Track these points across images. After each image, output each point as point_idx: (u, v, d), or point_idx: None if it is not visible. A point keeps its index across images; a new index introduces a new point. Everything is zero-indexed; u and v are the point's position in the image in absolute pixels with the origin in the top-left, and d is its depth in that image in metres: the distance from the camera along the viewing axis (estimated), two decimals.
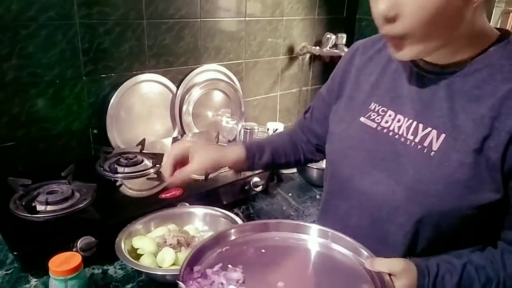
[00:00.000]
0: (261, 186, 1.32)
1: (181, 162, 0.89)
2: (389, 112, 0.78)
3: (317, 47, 1.91)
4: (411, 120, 0.74)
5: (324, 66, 2.04)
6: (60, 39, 1.23)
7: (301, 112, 2.03)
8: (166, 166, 0.89)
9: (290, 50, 1.88)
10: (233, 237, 0.81)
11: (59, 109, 1.30)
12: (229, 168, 0.99)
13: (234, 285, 0.69)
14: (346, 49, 1.85)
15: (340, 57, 1.84)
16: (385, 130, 0.77)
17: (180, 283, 0.66)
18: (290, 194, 1.38)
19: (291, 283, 0.71)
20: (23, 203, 1.01)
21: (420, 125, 0.73)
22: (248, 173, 1.29)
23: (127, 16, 1.34)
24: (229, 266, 0.73)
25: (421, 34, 0.64)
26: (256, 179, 1.30)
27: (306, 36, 1.91)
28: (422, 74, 0.74)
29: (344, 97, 0.88)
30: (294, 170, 1.52)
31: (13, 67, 1.18)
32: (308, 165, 1.45)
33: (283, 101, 1.96)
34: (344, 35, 1.88)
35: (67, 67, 1.27)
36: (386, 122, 0.77)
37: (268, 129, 1.69)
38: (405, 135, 0.74)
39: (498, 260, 0.68)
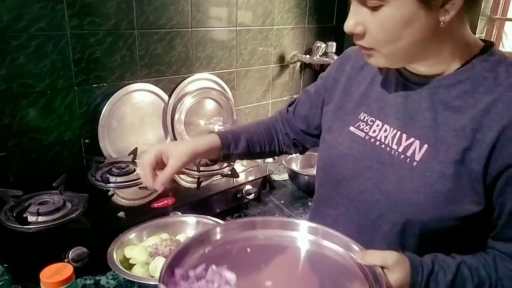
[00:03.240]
0: (253, 194, 1.32)
1: (159, 166, 0.87)
2: (377, 122, 0.79)
3: (308, 56, 1.93)
4: (395, 130, 0.75)
5: (315, 74, 2.06)
6: (51, 50, 1.24)
7: None
8: (145, 175, 0.86)
9: (281, 58, 1.90)
10: (218, 237, 0.76)
11: (51, 119, 1.30)
12: (207, 159, 0.97)
13: (225, 286, 0.64)
14: (336, 57, 1.88)
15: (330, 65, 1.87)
16: (372, 140, 0.78)
17: (161, 284, 0.62)
18: (282, 201, 1.38)
19: (280, 282, 0.68)
20: (14, 214, 1.00)
21: (404, 135, 0.74)
22: (240, 181, 1.30)
23: (119, 26, 1.35)
24: (213, 267, 0.67)
25: (386, 49, 0.68)
26: (248, 186, 1.31)
27: (297, 45, 1.93)
28: (407, 85, 0.76)
29: (333, 104, 0.89)
30: (286, 177, 1.53)
31: (4, 77, 1.18)
32: (300, 172, 1.46)
33: (274, 108, 1.97)
34: (334, 44, 1.91)
35: (58, 77, 1.27)
36: (374, 131, 0.79)
37: None
38: (390, 144, 0.75)
39: (491, 264, 0.69)
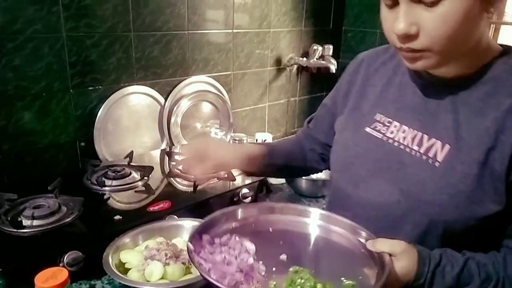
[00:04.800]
0: (250, 197, 1.32)
1: (199, 159, 0.89)
2: (395, 123, 0.79)
3: (304, 58, 1.93)
4: (415, 131, 0.76)
5: (312, 76, 2.07)
6: (47, 52, 1.23)
7: (289, 123, 2.07)
8: (188, 161, 0.89)
9: (278, 61, 1.90)
10: (242, 215, 0.84)
11: (46, 122, 1.29)
12: (242, 169, 0.97)
13: (245, 253, 0.72)
14: (332, 60, 1.89)
15: (327, 67, 1.88)
16: (390, 141, 0.78)
17: (188, 243, 0.69)
18: None
19: (293, 257, 0.74)
20: (9, 218, 0.99)
21: (425, 136, 0.74)
22: (237, 184, 1.29)
23: (115, 28, 1.34)
24: (236, 237, 0.75)
25: (440, 48, 0.65)
26: (245, 190, 1.30)
27: (293, 48, 1.94)
28: (427, 86, 0.76)
29: (349, 107, 0.89)
30: (283, 180, 1.53)
31: None
32: None
33: (271, 111, 1.97)
34: (331, 47, 1.91)
35: (54, 80, 1.27)
36: (392, 132, 0.79)
37: (257, 140, 1.70)
38: (410, 145, 0.75)
39: (500, 261, 0.69)
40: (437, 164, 0.71)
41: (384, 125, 0.81)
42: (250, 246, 0.73)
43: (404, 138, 0.77)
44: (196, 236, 0.74)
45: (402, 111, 0.79)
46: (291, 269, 0.70)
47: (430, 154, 0.72)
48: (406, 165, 0.75)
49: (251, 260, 0.70)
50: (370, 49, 0.92)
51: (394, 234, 0.76)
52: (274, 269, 0.71)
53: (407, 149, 0.76)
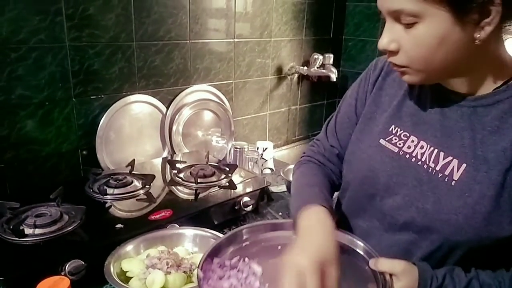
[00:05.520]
0: (251, 206, 1.32)
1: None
2: (412, 137, 0.78)
3: (305, 67, 1.95)
4: (432, 148, 0.74)
5: (312, 85, 2.08)
6: (50, 62, 1.24)
7: (290, 131, 2.07)
8: None
9: (279, 70, 1.91)
10: (245, 236, 0.85)
11: (49, 131, 1.30)
12: None
13: (252, 276, 0.73)
14: (333, 69, 1.90)
15: (327, 76, 1.89)
16: (407, 156, 0.77)
17: (198, 269, 0.72)
18: (280, 213, 1.38)
19: None
20: (11, 227, 1.00)
21: (441, 153, 0.73)
22: (238, 193, 1.30)
23: (117, 38, 1.36)
24: (246, 259, 0.76)
25: (418, 67, 0.67)
26: (246, 198, 1.30)
27: (294, 57, 1.95)
28: (444, 102, 0.75)
29: (363, 116, 0.87)
30: (284, 188, 1.53)
31: (3, 89, 1.19)
32: None
33: (272, 120, 1.98)
34: (331, 55, 1.93)
35: (56, 89, 1.28)
36: (409, 147, 0.77)
37: (258, 148, 1.70)
38: (427, 162, 0.74)
39: (506, 282, 0.69)
40: (453, 183, 0.70)
41: (400, 138, 0.79)
42: (257, 268, 0.74)
43: (422, 154, 0.75)
44: (208, 259, 0.76)
45: (419, 126, 0.77)
46: None
47: (446, 172, 0.71)
48: (422, 182, 0.74)
49: (257, 284, 0.71)
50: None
51: (409, 249, 0.76)
52: None
53: (425, 166, 0.74)
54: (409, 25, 0.64)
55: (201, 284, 0.70)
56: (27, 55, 1.20)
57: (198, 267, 0.73)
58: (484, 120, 0.70)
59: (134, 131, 1.48)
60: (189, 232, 1.06)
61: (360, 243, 0.77)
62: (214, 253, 0.78)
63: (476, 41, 0.63)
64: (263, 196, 1.41)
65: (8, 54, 1.17)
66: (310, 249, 0.65)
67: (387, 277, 0.68)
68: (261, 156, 1.69)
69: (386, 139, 0.81)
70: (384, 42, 0.68)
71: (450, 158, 0.72)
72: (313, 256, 0.63)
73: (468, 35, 0.63)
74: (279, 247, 0.81)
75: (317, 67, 1.93)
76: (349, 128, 0.91)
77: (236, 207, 1.29)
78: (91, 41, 1.31)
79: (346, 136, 0.92)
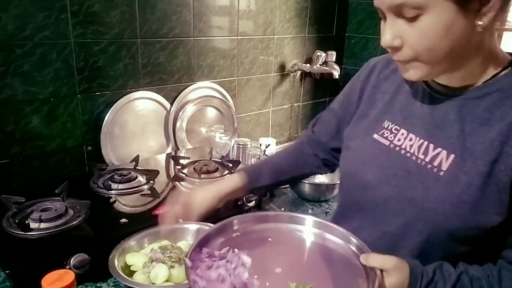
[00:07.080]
0: (254, 201, 1.32)
1: (184, 216, 0.94)
2: (402, 130, 0.80)
3: (308, 65, 1.95)
4: (422, 140, 0.76)
5: (315, 82, 2.08)
6: (55, 58, 1.25)
7: (293, 128, 2.08)
8: (168, 217, 0.94)
9: (282, 67, 1.91)
10: (236, 227, 0.85)
11: (54, 127, 1.31)
12: (233, 198, 1.03)
13: (241, 267, 0.73)
14: (336, 66, 1.90)
15: (330, 73, 1.89)
16: (397, 148, 0.79)
17: (186, 259, 0.71)
18: (282, 209, 1.39)
19: (288, 269, 0.75)
20: (16, 221, 1.01)
21: (431, 145, 0.74)
22: None
23: (122, 35, 1.37)
24: (235, 250, 0.76)
25: (426, 59, 0.67)
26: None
27: (297, 54, 1.95)
28: (435, 95, 0.76)
29: (358, 114, 0.90)
30: (287, 184, 1.53)
31: (8, 85, 1.20)
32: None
33: (275, 117, 1.98)
34: (334, 53, 1.93)
35: (61, 85, 1.29)
36: (399, 140, 0.79)
37: (260, 145, 1.71)
38: (416, 154, 0.76)
39: (495, 275, 0.69)
40: (441, 173, 0.71)
41: (392, 132, 0.81)
42: (247, 259, 0.74)
43: (411, 146, 0.77)
44: (197, 249, 0.75)
45: (409, 119, 0.79)
46: (291, 284, 0.70)
47: (435, 163, 0.73)
48: (412, 173, 0.75)
49: (246, 275, 0.71)
50: (382, 55, 0.91)
51: (398, 241, 0.77)
52: (267, 284, 0.71)
53: (413, 157, 0.76)
54: (412, 19, 0.64)
55: (189, 272, 0.70)
56: (32, 51, 1.21)
57: (186, 256, 0.73)
58: (474, 112, 0.71)
59: (138, 127, 1.49)
60: (193, 226, 1.07)
61: (352, 238, 0.78)
62: (204, 243, 0.78)
63: (478, 28, 0.64)
64: (266, 192, 1.42)
65: (14, 50, 1.18)
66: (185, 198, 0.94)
67: (378, 272, 0.67)
68: (264, 153, 1.69)
69: (379, 134, 0.83)
70: (387, 39, 0.68)
71: (439, 149, 0.73)
72: (181, 201, 0.92)
73: (470, 22, 0.64)
74: (270, 239, 0.83)
75: (320, 65, 1.94)
76: (331, 120, 1.00)
77: (239, 203, 1.30)
78: (96, 37, 1.32)
79: (327, 126, 1.01)
